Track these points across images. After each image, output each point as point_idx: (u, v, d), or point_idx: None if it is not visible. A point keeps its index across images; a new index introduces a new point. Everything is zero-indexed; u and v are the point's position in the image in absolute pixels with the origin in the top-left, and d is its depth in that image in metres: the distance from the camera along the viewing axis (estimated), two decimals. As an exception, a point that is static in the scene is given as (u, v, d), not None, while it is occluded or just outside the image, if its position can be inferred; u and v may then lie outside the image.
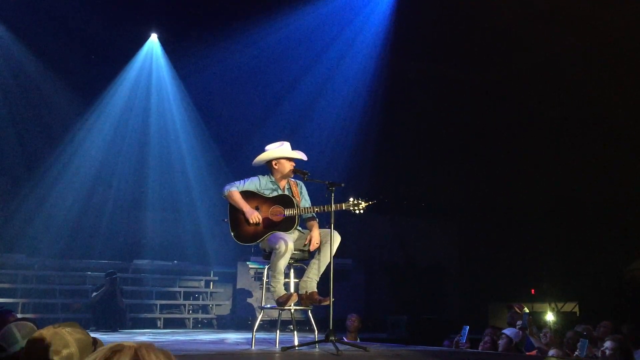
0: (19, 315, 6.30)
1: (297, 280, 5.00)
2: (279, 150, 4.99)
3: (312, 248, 4.81)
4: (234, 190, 4.94)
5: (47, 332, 2.17)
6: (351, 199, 4.75)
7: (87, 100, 10.92)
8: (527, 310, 6.64)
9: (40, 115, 10.67)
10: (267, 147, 5.06)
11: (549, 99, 10.94)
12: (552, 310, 8.22)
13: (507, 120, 11.72)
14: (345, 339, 6.47)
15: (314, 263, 4.87)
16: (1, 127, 10.29)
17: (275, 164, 5.00)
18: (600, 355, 5.24)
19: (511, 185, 11.95)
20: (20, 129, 10.47)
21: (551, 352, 5.68)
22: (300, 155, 5.01)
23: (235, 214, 4.92)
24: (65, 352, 2.09)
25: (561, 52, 10.09)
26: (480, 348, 6.22)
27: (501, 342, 5.76)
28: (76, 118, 10.89)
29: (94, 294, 8.99)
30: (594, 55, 9.96)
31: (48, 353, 2.11)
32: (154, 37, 11.73)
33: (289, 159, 4.99)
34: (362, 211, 4.75)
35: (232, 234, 4.94)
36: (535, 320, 8.13)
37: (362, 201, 4.75)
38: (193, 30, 10.73)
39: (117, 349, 1.35)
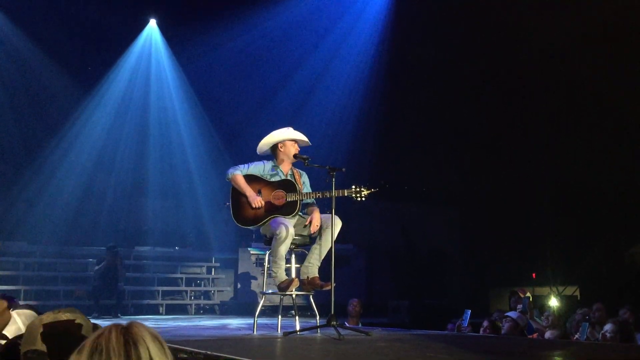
0: (21, 303, 6.32)
1: (298, 265, 5.00)
2: (283, 133, 5.00)
3: (312, 230, 4.80)
4: (238, 174, 4.94)
5: (47, 318, 2.16)
6: (353, 186, 4.73)
7: (87, 87, 10.89)
8: (529, 295, 6.66)
9: (39, 103, 10.64)
10: (272, 133, 5.06)
11: (550, 85, 10.87)
12: (555, 295, 8.25)
13: (508, 105, 11.66)
14: (346, 324, 6.48)
15: (315, 248, 4.86)
16: (1, 115, 10.26)
17: (281, 147, 5.01)
18: (600, 338, 5.25)
19: (512, 170, 11.91)
20: (20, 117, 10.45)
21: (547, 333, 5.70)
22: (304, 137, 5.01)
23: (238, 197, 4.93)
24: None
25: (564, 38, 10.00)
26: (481, 333, 6.23)
27: (506, 325, 5.76)
28: (76, 105, 10.85)
29: (96, 267, 9.04)
30: (598, 42, 9.87)
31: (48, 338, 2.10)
32: (152, 23, 11.66)
33: (294, 142, 4.99)
34: (363, 199, 4.73)
35: (233, 216, 4.94)
36: (538, 304, 8.16)
37: (364, 188, 4.72)
38: (192, 16, 10.67)
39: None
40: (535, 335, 5.96)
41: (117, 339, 1.33)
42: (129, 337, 1.33)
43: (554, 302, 8.34)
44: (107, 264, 8.94)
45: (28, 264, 9.79)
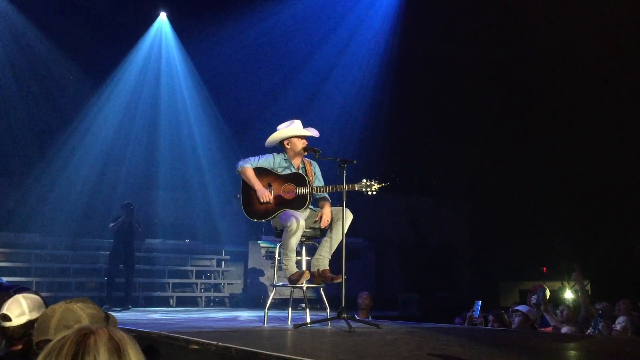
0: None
1: (309, 258, 4.98)
2: (289, 129, 4.94)
3: (322, 225, 4.78)
4: (248, 167, 4.92)
5: (59, 307, 2.17)
6: (364, 180, 4.70)
7: (98, 79, 10.92)
8: (545, 287, 6.58)
9: (51, 95, 10.70)
10: (278, 127, 5.01)
11: (561, 78, 10.78)
12: (571, 288, 8.16)
13: (518, 98, 11.59)
14: (357, 317, 6.48)
15: (325, 241, 4.84)
16: (13, 108, 10.33)
17: (287, 143, 4.96)
18: (613, 332, 5.22)
19: (523, 163, 11.85)
20: (32, 109, 10.51)
21: (564, 328, 5.66)
22: (310, 132, 4.96)
23: (248, 190, 4.91)
24: (77, 327, 2.09)
25: (575, 30, 9.90)
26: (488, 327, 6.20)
27: (516, 320, 5.73)
28: (87, 98, 10.90)
29: (111, 224, 9.12)
30: (610, 33, 9.76)
31: (60, 328, 2.11)
32: (163, 16, 11.67)
33: (300, 137, 4.94)
34: (374, 193, 4.70)
35: (243, 209, 4.93)
36: (553, 297, 8.08)
37: (375, 182, 4.69)
38: (202, 9, 10.65)
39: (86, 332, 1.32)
40: (550, 329, 5.91)
41: (69, 347, 1.30)
42: (80, 348, 1.29)
43: (569, 295, 8.24)
44: (123, 222, 9.03)
45: (40, 255, 9.87)
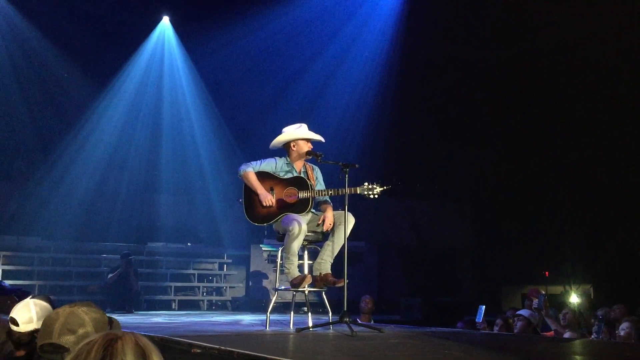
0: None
1: (311, 262, 4.99)
2: (297, 131, 4.97)
3: (325, 229, 4.78)
4: (250, 171, 4.93)
5: (63, 311, 2.18)
6: (366, 184, 4.70)
7: (100, 83, 10.94)
8: (544, 292, 6.57)
9: (53, 99, 10.71)
10: (284, 129, 5.03)
11: (563, 78, 10.76)
12: (575, 291, 8.10)
13: (521, 99, 11.58)
14: (359, 321, 6.48)
15: (328, 245, 4.85)
16: (15, 111, 10.35)
17: (294, 146, 4.98)
18: (617, 337, 5.21)
19: (525, 167, 11.84)
20: (34, 113, 10.52)
21: (567, 334, 5.65)
22: (318, 137, 4.99)
23: (250, 194, 4.92)
24: (81, 331, 2.09)
25: (579, 29, 9.88)
26: (495, 331, 6.19)
27: (518, 324, 5.72)
28: (89, 101, 10.92)
29: (110, 275, 9.10)
30: (614, 32, 9.74)
31: (64, 332, 2.11)
32: (165, 20, 11.70)
33: (307, 140, 4.97)
34: (376, 196, 4.70)
35: (245, 214, 4.94)
36: (556, 302, 8.06)
37: (377, 186, 4.69)
38: (205, 13, 10.68)
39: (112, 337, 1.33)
40: (551, 333, 5.90)
41: (97, 351, 1.31)
42: (108, 352, 1.31)
43: (574, 299, 8.16)
44: (121, 272, 9.03)
45: (42, 259, 9.88)
